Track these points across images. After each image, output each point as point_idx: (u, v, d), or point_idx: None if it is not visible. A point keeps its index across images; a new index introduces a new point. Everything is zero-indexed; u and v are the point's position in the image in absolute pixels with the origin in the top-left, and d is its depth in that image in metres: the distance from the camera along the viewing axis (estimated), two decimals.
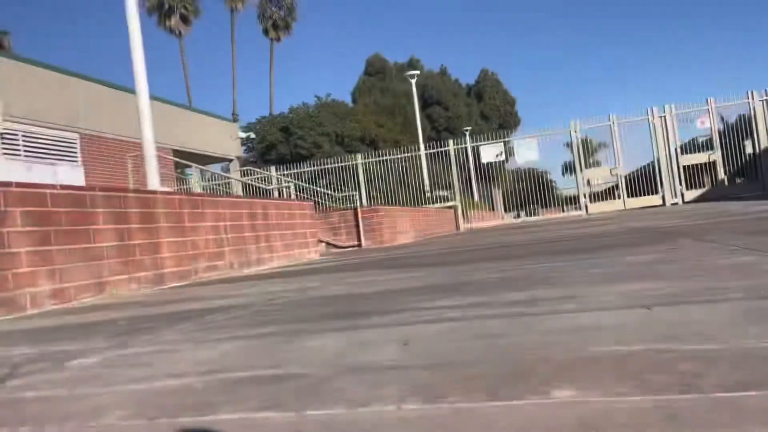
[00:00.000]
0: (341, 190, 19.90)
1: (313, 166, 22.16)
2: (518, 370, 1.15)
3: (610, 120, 20.04)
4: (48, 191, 4.05)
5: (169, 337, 2.12)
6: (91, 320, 3.00)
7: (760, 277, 1.99)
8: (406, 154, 22.30)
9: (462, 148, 21.73)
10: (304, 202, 9.08)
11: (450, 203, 20.97)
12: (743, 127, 19.71)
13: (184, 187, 19.28)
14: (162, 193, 5.43)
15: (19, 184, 3.89)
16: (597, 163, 23.50)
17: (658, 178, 19.84)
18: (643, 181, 20.36)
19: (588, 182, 20.62)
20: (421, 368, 1.24)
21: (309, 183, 19.78)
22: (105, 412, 1.19)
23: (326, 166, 21.91)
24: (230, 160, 22.29)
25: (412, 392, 1.07)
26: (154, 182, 6.02)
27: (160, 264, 5.11)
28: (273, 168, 22.48)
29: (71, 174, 14.96)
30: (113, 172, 16.62)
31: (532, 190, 22.48)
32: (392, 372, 1.24)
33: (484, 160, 21.23)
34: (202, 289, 4.51)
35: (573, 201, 21.59)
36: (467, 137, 22.29)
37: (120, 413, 1.17)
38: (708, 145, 19.98)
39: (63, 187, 4.23)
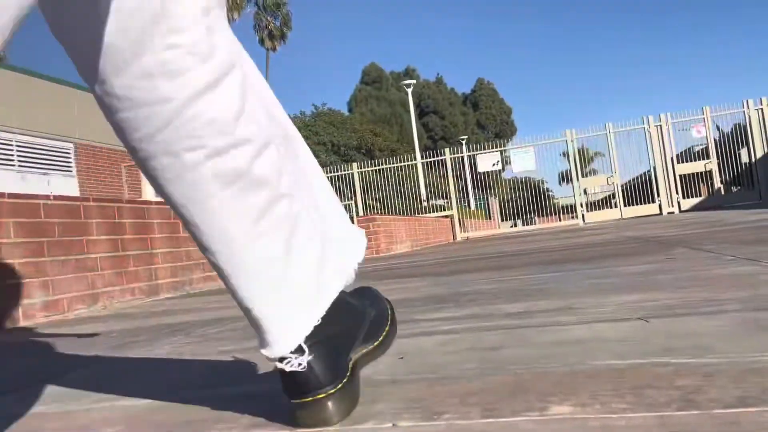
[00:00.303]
0: None
1: None
2: (515, 384, 1.13)
3: (606, 129, 20.09)
4: (41, 202, 4.04)
5: (162, 350, 2.10)
6: (84, 333, 2.97)
7: (758, 287, 1.97)
8: (402, 163, 22.32)
9: (458, 157, 21.76)
10: None
11: (446, 212, 20.99)
12: (739, 136, 19.77)
13: None
14: (157, 203, 5.42)
15: (11, 195, 3.87)
16: (593, 172, 23.57)
17: (654, 187, 19.88)
18: (640, 190, 20.40)
19: (585, 191, 20.65)
20: (416, 383, 1.22)
21: None
22: (94, 429, 1.17)
23: None
24: None
25: (407, 408, 1.05)
26: (149, 192, 6.00)
27: (154, 275, 5.09)
28: None
29: (65, 184, 14.91)
30: (108, 182, 16.58)
31: (528, 199, 22.52)
32: (387, 386, 1.22)
33: (481, 169, 21.25)
34: (196, 300, 4.49)
35: (570, 210, 21.63)
36: (464, 146, 22.32)
37: (110, 431, 1.15)
38: (704, 154, 20.04)
39: (56, 197, 4.21)
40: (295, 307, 0.97)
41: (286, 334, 0.96)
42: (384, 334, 1.15)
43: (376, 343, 1.13)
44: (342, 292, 1.06)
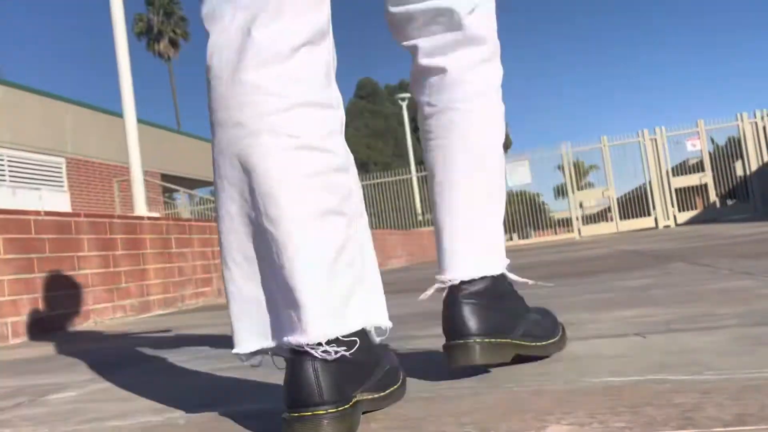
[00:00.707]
0: None
1: None
2: (512, 403, 1.11)
3: (601, 142, 20.14)
4: (32, 218, 4.01)
5: (152, 368, 2.07)
6: (72, 351, 2.95)
7: (755, 302, 1.96)
8: (397, 177, 22.31)
9: None
10: None
11: None
12: (733, 149, 19.85)
13: (172, 211, 19.23)
14: (149, 218, 5.39)
15: (1, 211, 3.84)
16: (589, 185, 23.60)
17: (650, 200, 19.90)
18: (636, 204, 20.44)
19: (580, 204, 20.66)
20: (412, 402, 1.21)
21: None
22: None
23: None
24: None
25: (402, 428, 1.04)
26: (140, 207, 5.98)
27: (146, 291, 5.06)
28: None
29: (57, 199, 14.84)
30: (100, 197, 16.51)
31: (524, 213, 22.53)
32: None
33: None
34: (187, 317, 4.46)
35: (566, 223, 21.64)
36: None
37: None
38: (699, 167, 20.09)
39: (47, 213, 4.18)
40: (334, 305, 1.05)
41: (323, 320, 1.03)
42: (392, 389, 1.18)
43: (382, 394, 1.15)
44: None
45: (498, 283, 1.37)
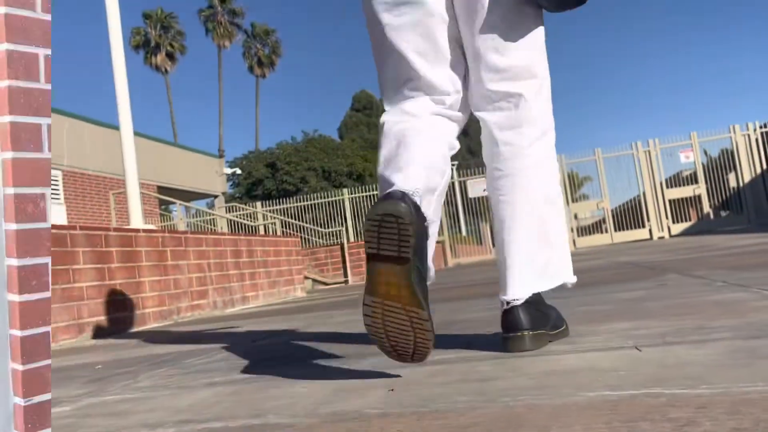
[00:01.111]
0: (328, 225, 19.87)
1: (300, 201, 22.09)
2: (508, 417, 1.11)
3: (595, 154, 20.16)
4: None
5: (147, 382, 2.06)
6: (67, 364, 2.93)
7: (749, 314, 1.97)
8: None
9: (449, 183, 21.68)
10: (290, 239, 9.04)
11: (438, 238, 20.87)
12: (726, 161, 19.90)
13: (168, 224, 19.19)
14: (145, 230, 5.38)
15: None
16: (583, 197, 23.60)
17: (644, 212, 19.92)
18: (630, 215, 20.44)
19: (575, 216, 20.66)
20: (407, 416, 1.20)
21: (295, 219, 19.76)
22: None
23: (313, 202, 21.84)
24: (215, 196, 22.22)
25: None
26: (136, 220, 5.97)
27: (141, 304, 5.04)
28: (259, 204, 22.38)
29: (53, 211, 14.76)
30: (96, 210, 16.46)
31: None
32: (378, 420, 1.20)
33: (471, 195, 21.24)
34: (183, 329, 4.44)
35: None
36: (454, 172, 22.32)
37: None
38: (693, 179, 20.12)
39: None
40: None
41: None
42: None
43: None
44: None
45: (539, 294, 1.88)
